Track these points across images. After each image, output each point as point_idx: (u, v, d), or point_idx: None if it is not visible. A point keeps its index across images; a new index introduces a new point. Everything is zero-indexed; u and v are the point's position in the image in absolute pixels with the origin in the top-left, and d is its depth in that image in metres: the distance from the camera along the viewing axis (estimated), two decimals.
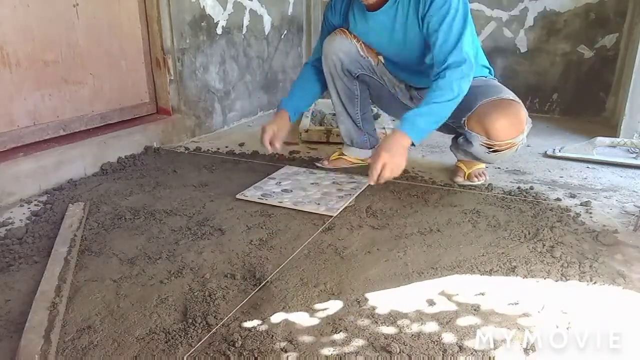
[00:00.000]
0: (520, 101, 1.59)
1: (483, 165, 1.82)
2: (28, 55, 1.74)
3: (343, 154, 2.00)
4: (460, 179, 1.81)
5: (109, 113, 2.11)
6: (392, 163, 1.44)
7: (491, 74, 1.75)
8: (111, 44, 2.06)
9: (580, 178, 1.87)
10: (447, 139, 2.43)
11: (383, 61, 1.83)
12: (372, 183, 1.47)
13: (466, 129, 1.63)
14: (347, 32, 1.76)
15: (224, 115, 2.70)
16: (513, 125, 1.55)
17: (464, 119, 1.61)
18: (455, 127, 1.75)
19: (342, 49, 1.76)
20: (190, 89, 2.42)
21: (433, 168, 1.99)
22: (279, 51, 3.11)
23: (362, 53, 1.78)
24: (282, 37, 3.12)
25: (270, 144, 1.72)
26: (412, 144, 1.48)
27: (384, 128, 2.24)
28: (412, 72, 1.76)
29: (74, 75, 1.92)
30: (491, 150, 1.61)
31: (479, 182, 1.79)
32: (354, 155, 1.99)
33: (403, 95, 1.86)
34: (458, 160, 1.86)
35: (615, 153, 2.14)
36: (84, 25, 1.93)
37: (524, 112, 1.56)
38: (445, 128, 1.73)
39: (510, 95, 1.60)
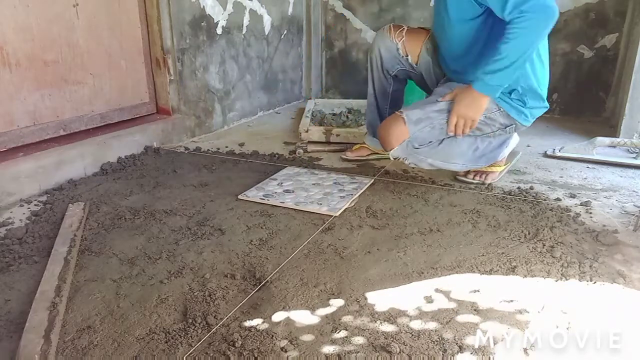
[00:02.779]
0: (407, 116, 1.60)
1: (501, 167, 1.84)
2: (28, 55, 1.74)
3: (364, 144, 2.06)
4: (460, 175, 1.83)
5: (109, 113, 2.11)
6: (466, 117, 1.55)
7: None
8: (111, 44, 2.06)
9: (580, 178, 1.87)
10: None
11: (429, 56, 1.82)
12: (450, 133, 1.58)
13: None
14: (393, 29, 1.82)
15: (224, 115, 2.70)
16: (387, 138, 1.64)
17: None
18: None
19: (384, 45, 1.83)
20: (190, 88, 2.42)
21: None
22: (279, 51, 3.11)
23: (401, 52, 1.83)
24: (282, 37, 3.12)
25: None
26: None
27: None
28: (463, 63, 1.69)
29: (74, 75, 1.92)
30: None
31: (476, 181, 1.78)
32: (374, 146, 2.04)
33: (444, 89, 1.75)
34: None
35: (615, 153, 2.14)
36: (84, 25, 1.93)
37: (399, 129, 1.60)
38: None
39: (406, 110, 1.62)
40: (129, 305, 1.06)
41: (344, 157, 2.08)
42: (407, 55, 1.84)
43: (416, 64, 1.85)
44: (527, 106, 1.65)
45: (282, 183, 1.77)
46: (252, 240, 1.35)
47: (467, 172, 1.81)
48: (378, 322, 1.00)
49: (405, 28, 1.84)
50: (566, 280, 1.15)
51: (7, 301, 1.08)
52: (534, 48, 1.49)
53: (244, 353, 0.90)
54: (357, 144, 2.11)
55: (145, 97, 2.30)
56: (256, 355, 0.90)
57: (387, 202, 1.62)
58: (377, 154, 2.05)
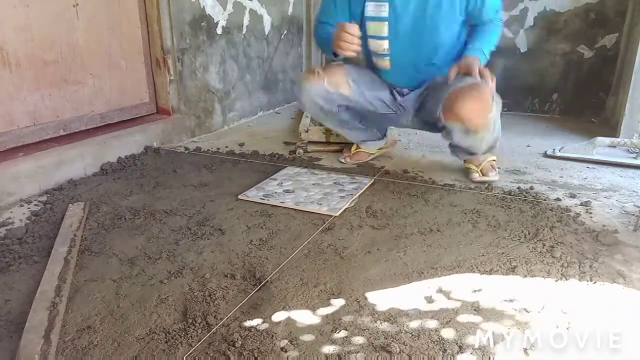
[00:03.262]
0: (486, 81, 1.62)
1: (490, 158, 1.84)
2: (28, 55, 1.74)
3: (359, 148, 2.05)
4: (476, 176, 1.81)
5: (109, 113, 2.11)
6: (465, 65, 1.66)
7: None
8: (111, 44, 2.06)
9: (580, 178, 1.87)
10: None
11: (358, 85, 1.84)
12: (489, 84, 1.60)
13: (443, 120, 1.69)
14: (310, 76, 1.79)
15: (224, 115, 2.70)
16: (480, 107, 1.60)
17: (439, 111, 1.68)
18: (436, 123, 1.78)
19: (314, 93, 1.79)
20: (190, 88, 2.42)
21: (433, 168, 1.99)
22: (279, 51, 3.11)
23: (330, 90, 1.79)
24: (282, 37, 3.12)
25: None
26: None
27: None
28: (417, 67, 1.79)
29: (74, 75, 1.92)
30: (469, 134, 1.67)
31: (495, 177, 1.81)
32: (368, 148, 2.05)
33: (383, 106, 1.91)
34: (464, 161, 1.88)
35: (615, 153, 2.14)
36: (84, 25, 1.93)
37: (488, 92, 1.61)
38: (428, 126, 1.88)
39: (477, 79, 1.63)
40: (129, 305, 1.06)
41: (343, 161, 2.05)
42: (337, 90, 1.80)
43: (349, 94, 1.83)
44: None
45: (282, 183, 1.77)
46: (252, 240, 1.35)
47: (483, 171, 1.82)
48: (378, 322, 1.00)
49: (318, 70, 1.80)
50: (566, 280, 1.15)
51: (7, 301, 1.08)
52: None
53: (244, 353, 0.90)
54: (351, 143, 2.08)
55: (145, 97, 2.30)
56: (256, 355, 0.90)
57: (387, 202, 1.62)
58: (373, 154, 2.07)
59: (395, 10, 1.70)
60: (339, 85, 1.80)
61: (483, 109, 1.60)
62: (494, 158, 1.85)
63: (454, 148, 1.85)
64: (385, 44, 1.77)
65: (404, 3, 1.69)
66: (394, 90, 1.90)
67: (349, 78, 1.82)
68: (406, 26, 1.72)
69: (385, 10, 1.71)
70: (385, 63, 1.82)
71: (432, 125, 1.85)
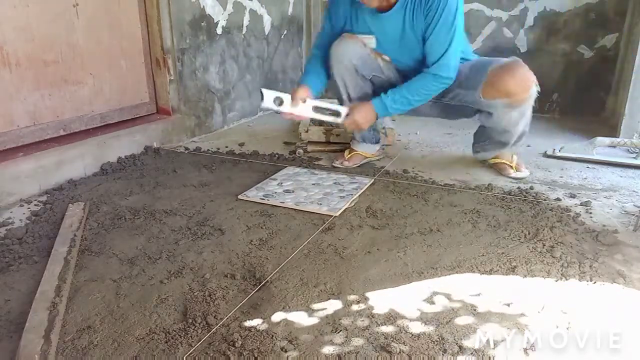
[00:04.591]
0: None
1: (515, 156, 1.91)
2: (28, 55, 1.74)
3: (354, 150, 2.04)
4: (511, 172, 1.87)
5: (109, 113, 2.11)
6: (354, 122, 1.77)
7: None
8: (111, 44, 2.06)
9: (580, 178, 1.87)
10: (448, 138, 2.44)
11: (389, 59, 1.87)
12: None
13: (483, 98, 1.74)
14: (355, 36, 1.81)
15: (224, 115, 2.70)
16: (526, 77, 1.70)
17: (477, 92, 1.74)
18: (470, 105, 1.82)
19: (355, 54, 1.81)
20: (190, 88, 2.42)
21: (433, 168, 1.99)
22: (279, 51, 3.11)
23: (372, 56, 1.84)
24: (282, 37, 3.12)
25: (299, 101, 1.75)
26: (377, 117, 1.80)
27: (384, 128, 2.24)
28: (413, 71, 1.81)
29: (74, 75, 1.92)
30: (511, 111, 1.72)
31: (527, 172, 1.89)
32: (364, 150, 2.04)
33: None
34: (492, 159, 1.94)
35: (615, 153, 2.14)
36: (84, 25, 1.93)
37: (528, 68, 1.72)
38: (446, 113, 1.92)
39: (510, 58, 1.75)
40: (129, 305, 1.06)
41: (339, 165, 2.00)
42: (377, 59, 1.85)
43: (384, 66, 1.87)
44: None
45: (282, 183, 1.77)
46: (252, 240, 1.35)
47: (517, 167, 1.88)
48: (378, 322, 1.00)
49: (359, 37, 1.83)
50: (566, 280, 1.15)
51: (7, 301, 1.08)
52: None
53: (244, 353, 0.90)
54: (346, 150, 2.07)
55: (145, 97, 2.29)
56: (256, 355, 0.90)
57: (387, 202, 1.62)
58: (367, 157, 2.05)
59: (381, 43, 1.81)
60: (377, 56, 1.85)
61: (528, 82, 1.69)
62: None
63: (484, 143, 1.93)
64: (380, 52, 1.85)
65: (384, 38, 1.78)
66: None
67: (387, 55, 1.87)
68: (393, 51, 1.82)
69: (373, 39, 1.81)
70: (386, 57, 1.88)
71: (455, 111, 1.90)
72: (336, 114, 1.79)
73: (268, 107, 1.64)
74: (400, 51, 1.80)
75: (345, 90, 1.88)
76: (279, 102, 1.65)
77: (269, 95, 1.63)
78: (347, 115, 1.78)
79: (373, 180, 1.81)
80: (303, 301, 1.07)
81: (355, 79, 1.86)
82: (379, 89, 1.92)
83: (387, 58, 1.86)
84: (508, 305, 1.05)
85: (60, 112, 1.90)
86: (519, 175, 1.86)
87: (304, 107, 1.69)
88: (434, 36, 1.67)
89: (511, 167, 1.88)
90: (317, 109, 1.75)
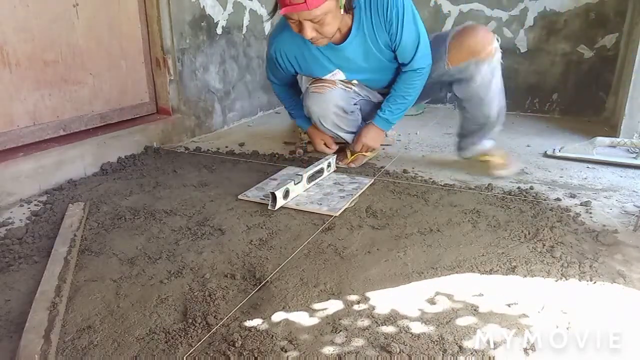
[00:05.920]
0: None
1: (504, 154, 1.92)
2: (28, 55, 1.74)
3: (355, 151, 2.04)
4: (502, 172, 1.87)
5: (109, 113, 2.11)
6: (367, 145, 1.92)
7: None
8: (111, 44, 2.06)
9: (580, 178, 1.87)
10: (447, 138, 2.44)
11: (357, 82, 1.91)
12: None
13: (451, 66, 1.77)
14: (323, 82, 1.84)
15: (224, 115, 2.70)
16: (484, 32, 1.74)
17: (443, 64, 1.77)
18: (441, 79, 1.84)
19: (334, 99, 1.84)
20: (190, 89, 2.42)
21: (433, 168, 1.99)
22: None
23: (347, 87, 1.88)
24: None
25: (327, 145, 1.98)
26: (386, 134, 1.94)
27: None
28: (388, 81, 1.88)
29: (74, 75, 1.93)
30: (482, 63, 1.72)
31: (519, 168, 1.90)
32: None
33: (374, 96, 2.00)
34: (481, 156, 1.93)
35: (615, 153, 2.14)
36: (84, 25, 1.93)
37: (482, 25, 1.84)
38: (424, 92, 1.90)
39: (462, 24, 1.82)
40: (129, 305, 1.06)
41: (342, 165, 2.00)
42: (350, 87, 1.88)
43: (358, 88, 1.91)
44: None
45: (282, 183, 1.76)
46: (252, 240, 1.35)
47: (506, 161, 1.89)
48: (378, 322, 1.00)
49: (326, 77, 1.85)
50: (566, 280, 1.15)
51: (7, 301, 1.08)
52: None
53: (244, 353, 0.90)
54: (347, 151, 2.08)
55: (145, 97, 2.30)
56: (256, 355, 0.90)
57: (387, 202, 1.62)
58: (369, 156, 2.07)
59: (348, 72, 1.82)
60: (347, 83, 1.88)
61: (487, 36, 1.72)
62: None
63: (466, 138, 1.92)
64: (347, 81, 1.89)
65: (349, 66, 1.78)
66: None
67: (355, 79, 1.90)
68: (362, 73, 1.83)
69: (339, 73, 1.82)
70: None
71: (426, 93, 1.90)
72: (329, 165, 1.88)
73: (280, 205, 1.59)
74: (369, 70, 1.80)
75: (344, 131, 1.94)
76: (284, 193, 1.59)
77: (279, 196, 1.56)
78: (355, 142, 1.92)
79: (373, 180, 1.81)
80: (303, 301, 1.07)
81: (347, 117, 1.91)
82: (365, 106, 1.98)
83: (355, 82, 1.89)
84: (508, 305, 1.05)
85: (60, 112, 1.90)
86: (507, 172, 1.85)
87: (300, 185, 1.67)
88: (404, 41, 1.67)
89: (500, 164, 1.87)
90: (310, 178, 1.75)
